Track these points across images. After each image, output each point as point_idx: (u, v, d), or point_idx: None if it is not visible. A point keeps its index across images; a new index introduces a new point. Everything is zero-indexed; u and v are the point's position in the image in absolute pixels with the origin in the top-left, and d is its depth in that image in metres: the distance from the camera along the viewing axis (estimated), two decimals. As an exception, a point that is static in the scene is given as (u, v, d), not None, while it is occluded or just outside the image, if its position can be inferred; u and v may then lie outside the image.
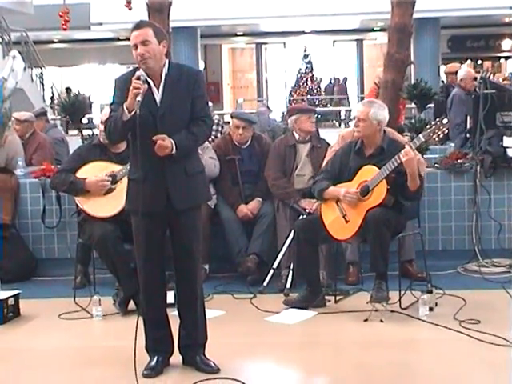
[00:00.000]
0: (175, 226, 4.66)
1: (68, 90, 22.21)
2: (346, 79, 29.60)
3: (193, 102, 4.57)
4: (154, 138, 4.42)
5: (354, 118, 6.08)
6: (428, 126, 5.83)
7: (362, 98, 21.08)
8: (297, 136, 7.07)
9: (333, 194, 5.92)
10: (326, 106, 27.48)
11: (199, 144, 4.77)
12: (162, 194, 4.54)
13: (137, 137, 4.37)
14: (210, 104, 6.99)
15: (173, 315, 4.80)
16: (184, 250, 4.66)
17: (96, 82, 29.85)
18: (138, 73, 4.42)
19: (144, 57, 4.43)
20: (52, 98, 21.15)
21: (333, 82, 29.43)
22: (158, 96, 4.53)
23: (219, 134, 8.87)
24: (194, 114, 4.58)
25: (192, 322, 4.71)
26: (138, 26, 4.50)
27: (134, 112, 4.35)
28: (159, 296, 4.72)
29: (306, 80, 28.36)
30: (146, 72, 4.48)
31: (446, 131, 5.82)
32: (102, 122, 6.26)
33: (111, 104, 4.63)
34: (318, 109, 24.05)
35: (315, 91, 28.26)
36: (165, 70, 4.55)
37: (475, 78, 9.31)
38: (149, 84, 4.48)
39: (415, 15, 8.44)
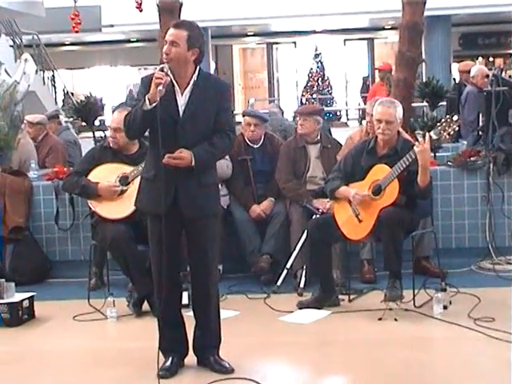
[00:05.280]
0: (189, 230, 4.65)
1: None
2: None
3: (218, 113, 4.53)
4: (176, 152, 4.38)
5: (371, 118, 6.01)
6: (438, 124, 5.81)
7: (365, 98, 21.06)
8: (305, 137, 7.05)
9: (343, 194, 5.90)
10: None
11: (219, 157, 4.74)
12: (170, 196, 4.49)
13: (157, 131, 4.31)
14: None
15: (188, 316, 4.80)
16: (199, 253, 4.65)
17: (107, 84, 29.89)
18: (162, 65, 4.40)
19: (167, 57, 4.42)
20: (64, 101, 21.14)
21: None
22: (180, 101, 4.49)
23: None
24: (218, 126, 4.54)
25: (206, 323, 4.71)
26: (177, 25, 4.48)
27: (155, 104, 4.31)
28: (174, 297, 4.70)
29: (318, 79, 28.32)
30: (172, 73, 4.43)
31: (457, 128, 5.81)
32: (110, 128, 6.28)
33: (135, 100, 4.60)
34: (327, 108, 24.08)
35: (326, 91, 28.21)
36: (194, 77, 4.51)
37: (487, 76, 9.30)
38: (173, 84, 4.45)
39: (426, 13, 8.41)
